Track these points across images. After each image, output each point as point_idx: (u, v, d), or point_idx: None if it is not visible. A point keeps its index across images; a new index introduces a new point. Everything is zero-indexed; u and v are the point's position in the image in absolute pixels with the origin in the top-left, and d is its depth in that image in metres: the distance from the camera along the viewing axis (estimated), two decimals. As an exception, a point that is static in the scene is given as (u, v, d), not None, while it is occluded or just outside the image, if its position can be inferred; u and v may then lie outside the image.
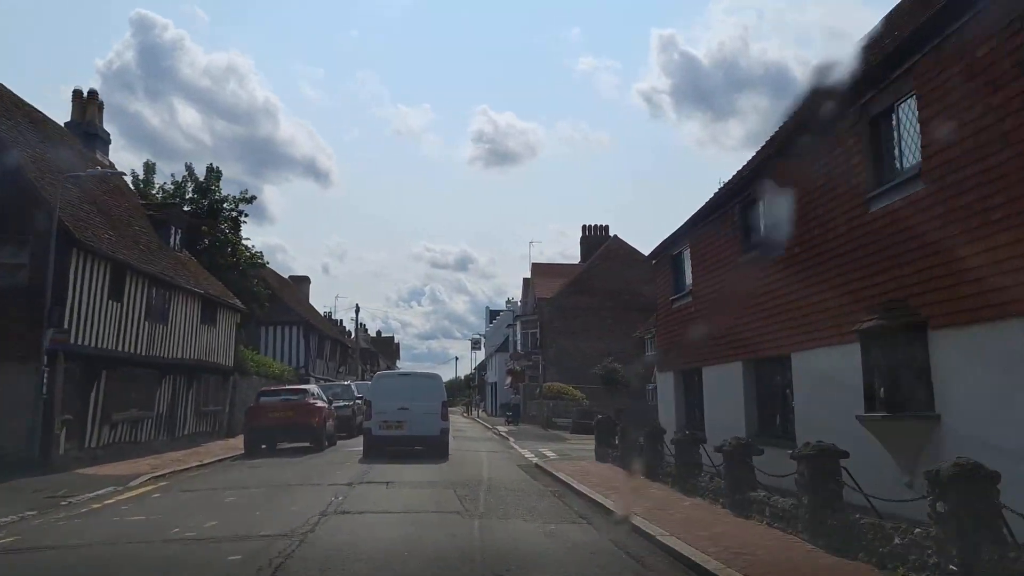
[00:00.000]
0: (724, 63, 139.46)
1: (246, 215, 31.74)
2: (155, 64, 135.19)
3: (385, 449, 17.82)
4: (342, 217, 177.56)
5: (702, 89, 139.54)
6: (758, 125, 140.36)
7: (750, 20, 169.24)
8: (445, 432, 18.51)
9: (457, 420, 40.86)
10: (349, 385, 29.49)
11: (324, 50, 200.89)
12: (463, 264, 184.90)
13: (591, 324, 47.55)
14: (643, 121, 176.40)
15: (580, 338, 46.94)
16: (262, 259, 31.25)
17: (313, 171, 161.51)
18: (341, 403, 26.92)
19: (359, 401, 29.44)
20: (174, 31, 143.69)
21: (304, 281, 53.14)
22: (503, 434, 31.09)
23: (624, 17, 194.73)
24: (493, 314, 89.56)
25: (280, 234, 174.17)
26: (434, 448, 18.01)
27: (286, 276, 51.55)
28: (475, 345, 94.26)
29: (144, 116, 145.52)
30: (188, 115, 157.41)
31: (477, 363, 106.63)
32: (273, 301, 41.04)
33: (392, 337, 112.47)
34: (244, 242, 31.43)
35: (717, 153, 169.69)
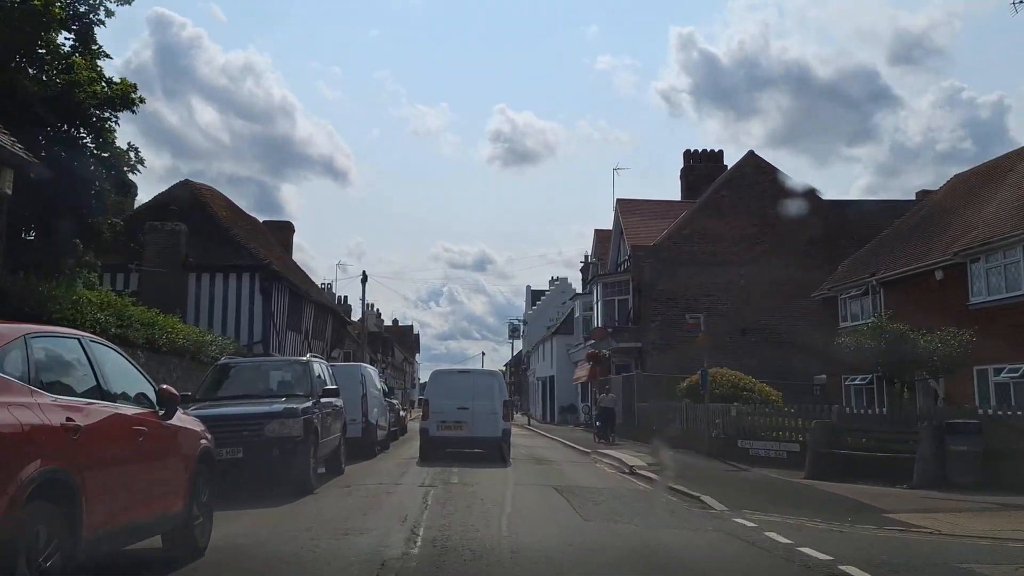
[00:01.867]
0: (745, 61, 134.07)
1: (108, 15, 15.16)
2: (173, 63, 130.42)
3: (443, 451, 16.30)
4: (361, 217, 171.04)
5: (722, 88, 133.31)
6: (780, 124, 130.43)
7: (771, 16, 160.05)
8: (507, 433, 16.94)
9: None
10: (309, 364, 12.52)
11: (341, 49, 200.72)
12: (481, 265, 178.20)
13: (719, 283, 30.73)
14: (663, 120, 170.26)
15: (701, 304, 30.11)
16: (136, 93, 14.64)
17: (331, 171, 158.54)
18: (275, 407, 10.34)
19: (337, 401, 12.85)
20: (192, 30, 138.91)
21: (284, 228, 36.54)
22: (639, 471, 14.42)
23: (642, 14, 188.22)
24: (536, 295, 72.68)
25: (299, 233, 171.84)
26: (495, 450, 16.36)
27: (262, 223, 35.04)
28: (513, 333, 77.38)
29: (162, 115, 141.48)
30: (206, 114, 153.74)
31: (512, 356, 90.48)
32: (211, 231, 24.54)
33: (411, 327, 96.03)
34: (98, 62, 14.79)
35: (738, 153, 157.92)
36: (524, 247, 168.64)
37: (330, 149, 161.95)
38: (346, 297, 57.24)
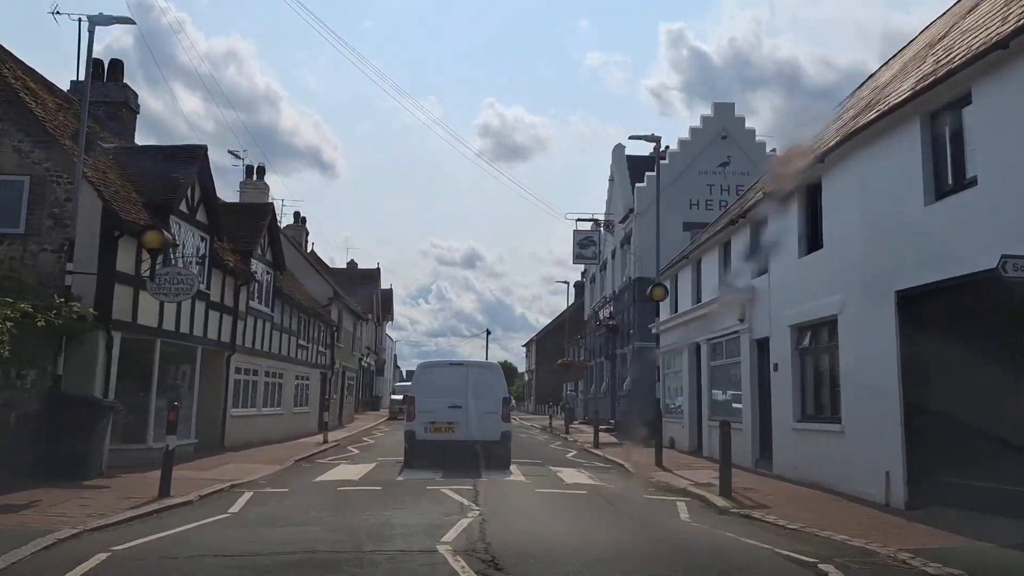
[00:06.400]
0: (736, 61, 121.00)
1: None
2: (155, 49, 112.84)
3: (433, 456, 14.69)
4: (349, 210, 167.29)
5: (713, 87, 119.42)
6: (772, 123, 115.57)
7: (763, 14, 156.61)
8: (507, 437, 15.11)
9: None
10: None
11: (329, 39, 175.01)
12: (471, 261, 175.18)
13: None
14: (653, 117, 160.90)
15: None
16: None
17: (319, 162, 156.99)
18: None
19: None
20: (175, 15, 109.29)
21: None
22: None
23: (632, 9, 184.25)
24: (638, 165, 33.68)
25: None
26: (494, 456, 14.66)
27: None
28: (583, 249, 38.21)
29: (145, 102, 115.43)
30: (191, 102, 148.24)
31: (568, 305, 52.16)
32: None
33: (378, 271, 57.27)
34: None
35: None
36: (513, 244, 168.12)
37: (317, 140, 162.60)
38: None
